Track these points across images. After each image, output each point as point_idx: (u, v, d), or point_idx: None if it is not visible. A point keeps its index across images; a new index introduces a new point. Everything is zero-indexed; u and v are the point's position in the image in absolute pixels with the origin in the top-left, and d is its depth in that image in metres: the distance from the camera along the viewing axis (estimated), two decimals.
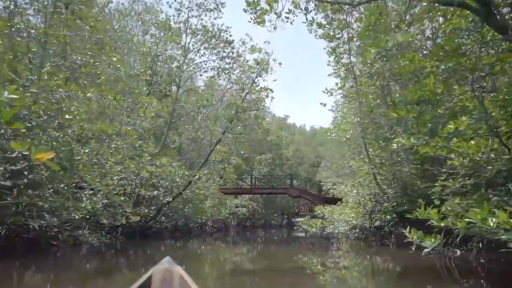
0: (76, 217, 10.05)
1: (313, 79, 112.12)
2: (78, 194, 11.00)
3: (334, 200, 30.84)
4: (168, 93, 20.83)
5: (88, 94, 11.83)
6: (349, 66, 15.85)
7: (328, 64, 16.85)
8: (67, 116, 10.99)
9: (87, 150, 11.14)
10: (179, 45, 21.00)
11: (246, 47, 18.88)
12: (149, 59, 23.20)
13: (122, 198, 12.14)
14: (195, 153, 25.62)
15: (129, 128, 12.99)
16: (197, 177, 17.06)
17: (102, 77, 13.41)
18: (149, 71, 21.59)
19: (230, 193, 29.20)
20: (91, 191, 11.18)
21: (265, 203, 45.24)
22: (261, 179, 33.51)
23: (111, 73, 16.12)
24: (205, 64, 20.93)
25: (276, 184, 32.34)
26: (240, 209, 36.98)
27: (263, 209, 45.40)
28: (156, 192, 17.42)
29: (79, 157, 10.91)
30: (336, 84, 17.93)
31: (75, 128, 11.15)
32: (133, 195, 19.14)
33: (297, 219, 52.19)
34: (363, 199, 14.48)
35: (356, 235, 14.40)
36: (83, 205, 9.94)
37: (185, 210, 19.96)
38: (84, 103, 12.03)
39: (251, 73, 17.49)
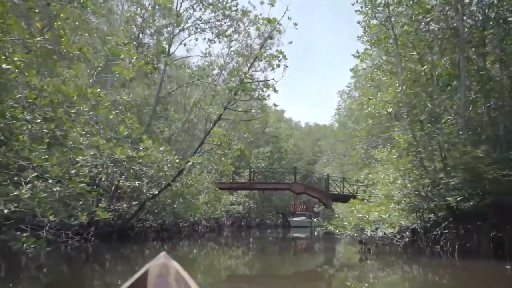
0: (6, 211, 6.47)
1: (303, 76, 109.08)
2: (16, 178, 7.42)
3: (344, 198, 27.53)
4: (156, 65, 17.23)
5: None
6: (387, 22, 12.28)
7: (358, 22, 13.36)
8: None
9: (30, 117, 7.52)
10: (169, 10, 17.34)
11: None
12: (134, 28, 19.67)
13: (89, 188, 8.59)
14: (188, 138, 21.90)
15: (99, 91, 9.38)
16: (190, 163, 13.48)
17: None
18: (134, 43, 17.98)
19: (226, 188, 25.67)
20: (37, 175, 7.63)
21: (262, 200, 41.75)
22: (261, 174, 29.99)
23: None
24: (201, 25, 17.13)
25: (277, 179, 28.86)
26: (235, 206, 33.54)
27: (259, 208, 41.92)
28: (138, 182, 13.82)
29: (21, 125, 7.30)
30: (366, 49, 14.49)
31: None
32: (112, 187, 15.55)
33: (294, 219, 49.05)
34: (407, 192, 10.99)
35: (406, 239, 10.95)
36: (15, 193, 6.37)
37: (175, 206, 16.41)
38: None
39: (260, 34, 13.85)
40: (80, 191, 7.97)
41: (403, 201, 11.10)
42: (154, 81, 18.59)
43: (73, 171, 8.50)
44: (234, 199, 34.00)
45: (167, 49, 16.71)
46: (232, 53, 15.63)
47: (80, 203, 8.32)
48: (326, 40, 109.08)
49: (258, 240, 24.08)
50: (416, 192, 10.93)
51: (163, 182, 15.21)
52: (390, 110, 11.59)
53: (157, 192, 14.46)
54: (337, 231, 12.14)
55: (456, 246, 10.46)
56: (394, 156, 15.70)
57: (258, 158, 38.57)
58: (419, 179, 10.94)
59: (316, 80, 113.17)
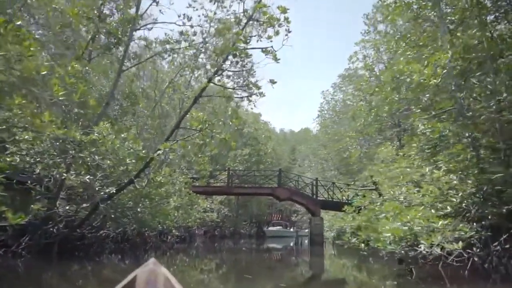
0: None
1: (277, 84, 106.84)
2: None
3: (334, 205, 24.53)
4: (121, 37, 13.71)
5: None
6: None
7: None
8: None
9: None
10: None
11: None
12: None
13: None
14: (159, 132, 18.31)
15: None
16: (160, 152, 10.03)
17: None
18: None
19: (201, 192, 22.11)
20: None
21: (237, 208, 38.26)
22: (240, 177, 26.56)
23: None
24: None
25: (258, 183, 25.51)
26: (209, 214, 29.95)
27: (233, 216, 38.38)
28: (88, 177, 10.25)
29: None
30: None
31: None
32: (56, 182, 11.86)
33: (269, 228, 45.78)
34: (467, 193, 7.95)
35: (474, 257, 7.82)
36: None
37: (138, 210, 12.87)
38: None
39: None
40: None
41: (462, 205, 8.06)
42: (118, 58, 15.08)
43: None
44: (208, 206, 30.40)
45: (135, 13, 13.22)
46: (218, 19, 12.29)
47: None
48: (299, 50, 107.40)
49: (232, 253, 20.85)
50: (477, 195, 7.97)
51: (125, 180, 11.72)
52: (438, 80, 8.59)
53: (114, 191, 10.91)
54: (364, 245, 8.93)
55: None
56: (412, 153, 12.88)
57: (235, 161, 35.14)
58: (479, 177, 7.98)
59: (289, 89, 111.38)
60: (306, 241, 30.24)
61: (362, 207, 20.68)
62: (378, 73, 20.11)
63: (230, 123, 11.61)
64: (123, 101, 19.34)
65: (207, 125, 11.01)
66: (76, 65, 10.31)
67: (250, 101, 11.96)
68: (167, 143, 10.19)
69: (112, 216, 12.32)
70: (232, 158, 34.61)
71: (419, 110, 11.59)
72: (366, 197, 19.52)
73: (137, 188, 11.66)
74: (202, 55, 13.76)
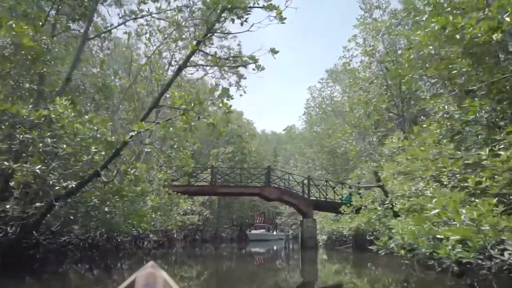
0: None
1: (258, 88, 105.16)
2: None
3: (329, 206, 22.63)
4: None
5: None
6: None
7: None
8: None
9: None
10: None
11: None
12: None
13: None
14: (134, 115, 15.90)
15: None
16: (134, 134, 7.77)
17: None
18: None
19: (182, 192, 19.73)
20: None
21: (220, 210, 35.92)
22: (225, 175, 24.30)
23: None
24: None
25: (244, 183, 23.28)
26: (190, 216, 27.58)
27: (215, 218, 36.02)
28: (39, 167, 7.91)
29: None
30: None
31: None
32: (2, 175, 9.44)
33: (252, 232, 43.57)
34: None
35: None
36: None
37: (106, 210, 10.49)
38: None
39: None
40: None
41: None
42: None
43: None
44: (189, 208, 28.03)
45: None
46: None
47: None
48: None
49: (216, 258, 18.65)
50: None
51: (89, 173, 9.41)
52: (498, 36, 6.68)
53: (74, 186, 8.58)
54: (404, 251, 6.93)
55: None
56: (429, 141, 11.02)
57: (217, 160, 32.83)
58: None
59: (270, 92, 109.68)
60: (295, 245, 28.38)
61: (362, 207, 18.97)
62: (379, 58, 18.30)
63: (220, 105, 9.46)
64: (96, 95, 16.95)
65: (192, 105, 8.84)
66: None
67: (240, 78, 9.87)
68: (142, 123, 7.96)
69: (72, 218, 9.90)
70: (214, 156, 32.30)
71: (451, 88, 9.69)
72: (368, 196, 17.75)
73: (106, 184, 9.36)
74: (186, 25, 11.51)
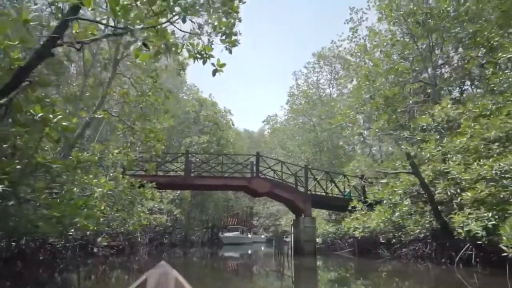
0: None
1: (241, 89, 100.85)
2: None
3: (331, 202, 18.74)
4: None
5: None
6: None
7: None
8: None
9: None
10: None
11: None
12: None
13: None
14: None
15: None
16: None
17: None
18: None
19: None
20: None
21: (191, 209, 31.25)
22: (203, 163, 19.72)
23: None
24: None
25: (228, 172, 18.89)
26: (157, 216, 23.01)
27: (186, 219, 31.38)
28: None
29: None
30: None
31: None
32: None
33: (225, 234, 39.53)
34: None
35: None
36: None
37: (32, 203, 6.16)
38: None
39: None
40: None
41: None
42: None
43: None
44: (156, 206, 23.47)
45: None
46: None
47: None
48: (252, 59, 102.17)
49: (189, 266, 14.39)
50: None
51: None
52: None
53: None
54: None
55: None
56: None
57: (191, 149, 28.19)
58: None
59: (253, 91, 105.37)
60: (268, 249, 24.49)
61: (382, 202, 15.26)
62: (403, 12, 14.35)
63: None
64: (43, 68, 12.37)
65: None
66: None
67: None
68: None
69: None
70: (186, 147, 27.63)
71: None
72: (390, 187, 14.00)
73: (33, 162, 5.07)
74: None
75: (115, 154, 10.41)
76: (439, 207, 11.93)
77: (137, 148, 12.91)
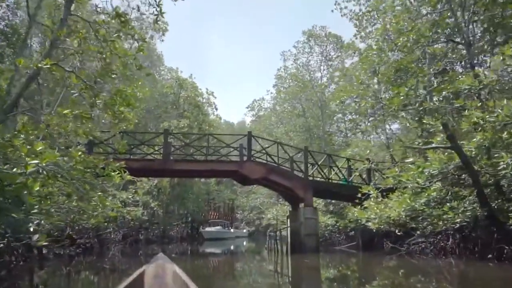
0: None
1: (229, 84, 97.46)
2: None
3: (335, 190, 16.20)
4: None
5: None
6: None
7: None
8: None
9: None
10: None
11: None
12: None
13: None
14: None
15: None
16: None
17: None
18: None
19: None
20: None
21: (170, 202, 28.29)
22: (186, 145, 16.67)
23: None
24: None
25: (211, 155, 16.05)
26: (131, 209, 20.05)
27: (164, 213, 28.44)
28: None
29: None
30: None
31: None
32: None
33: (207, 229, 36.89)
34: None
35: None
36: None
37: None
38: None
39: None
40: None
41: None
42: None
43: None
44: (130, 197, 20.48)
45: None
46: None
47: None
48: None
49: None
50: None
51: None
52: None
53: None
54: None
55: None
56: None
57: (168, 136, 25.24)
58: None
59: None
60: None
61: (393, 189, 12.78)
62: None
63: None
64: None
65: None
66: None
67: None
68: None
69: None
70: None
71: None
72: (422, 165, 11.47)
73: None
74: None
75: (67, 120, 7.57)
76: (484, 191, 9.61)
77: (102, 121, 10.10)
